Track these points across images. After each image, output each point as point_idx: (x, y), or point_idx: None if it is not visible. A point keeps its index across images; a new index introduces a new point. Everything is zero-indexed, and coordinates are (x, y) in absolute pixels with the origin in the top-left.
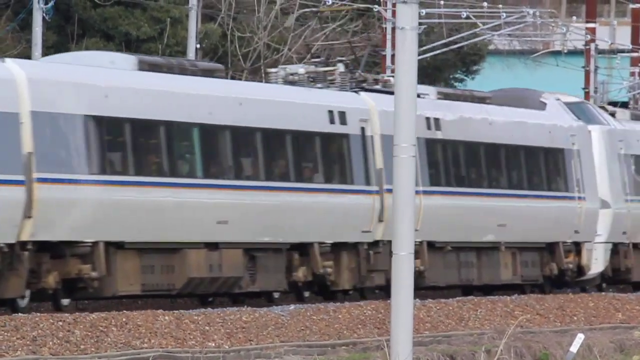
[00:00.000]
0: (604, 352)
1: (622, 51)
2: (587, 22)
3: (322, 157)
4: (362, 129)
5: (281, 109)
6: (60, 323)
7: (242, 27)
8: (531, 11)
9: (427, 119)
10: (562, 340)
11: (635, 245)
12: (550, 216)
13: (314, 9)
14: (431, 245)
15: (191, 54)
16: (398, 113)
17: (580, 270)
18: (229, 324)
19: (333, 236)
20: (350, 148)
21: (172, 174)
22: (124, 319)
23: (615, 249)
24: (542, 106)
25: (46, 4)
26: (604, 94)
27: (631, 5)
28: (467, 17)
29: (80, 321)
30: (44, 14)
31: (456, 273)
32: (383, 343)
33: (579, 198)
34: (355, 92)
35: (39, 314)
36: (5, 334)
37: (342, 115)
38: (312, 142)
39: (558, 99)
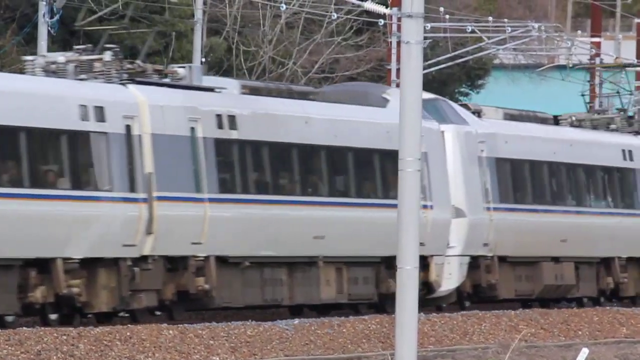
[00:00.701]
0: None
1: (628, 65)
2: (592, 36)
3: (69, 159)
4: (128, 127)
5: (11, 101)
6: (65, 337)
7: (248, 41)
8: (536, 25)
9: (219, 116)
10: (567, 354)
11: (502, 259)
12: (385, 227)
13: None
14: (223, 260)
15: None
16: (403, 126)
17: (430, 286)
18: (234, 338)
19: (83, 251)
20: (110, 149)
21: None
22: (128, 333)
23: (476, 263)
24: (383, 103)
25: (51, 17)
26: (609, 108)
27: (636, 20)
28: (472, 32)
29: (84, 335)
30: (49, 28)
31: (259, 292)
32: (387, 357)
33: (425, 206)
34: (123, 84)
35: (43, 328)
36: (10, 348)
37: (100, 110)
38: (56, 142)
39: None
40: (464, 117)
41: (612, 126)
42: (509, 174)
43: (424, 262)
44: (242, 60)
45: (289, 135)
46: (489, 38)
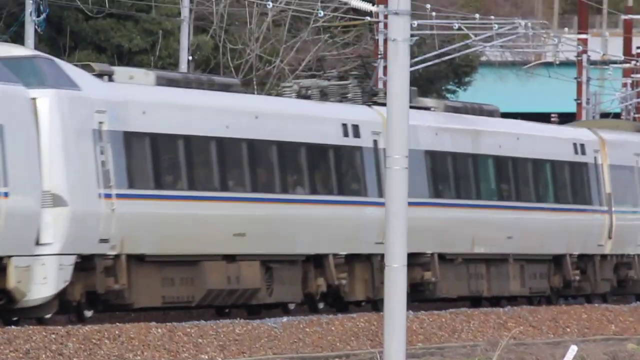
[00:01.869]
0: None
1: (614, 62)
2: (579, 33)
3: None
4: None
5: None
6: (54, 336)
7: (234, 39)
8: (523, 22)
9: None
10: (555, 352)
11: (140, 258)
12: None
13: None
14: None
15: (183, 66)
16: (390, 125)
17: (10, 295)
18: (222, 336)
19: None
20: None
21: None
22: (116, 332)
23: (91, 264)
24: None
25: (38, 16)
26: (596, 105)
27: (623, 17)
28: (459, 29)
29: (73, 334)
30: (36, 27)
31: None
32: (376, 355)
33: None
34: None
35: (32, 327)
36: None
37: None
38: None
39: None
40: (76, 80)
41: (349, 96)
42: (149, 152)
43: None
44: (229, 58)
45: None
46: (475, 35)
